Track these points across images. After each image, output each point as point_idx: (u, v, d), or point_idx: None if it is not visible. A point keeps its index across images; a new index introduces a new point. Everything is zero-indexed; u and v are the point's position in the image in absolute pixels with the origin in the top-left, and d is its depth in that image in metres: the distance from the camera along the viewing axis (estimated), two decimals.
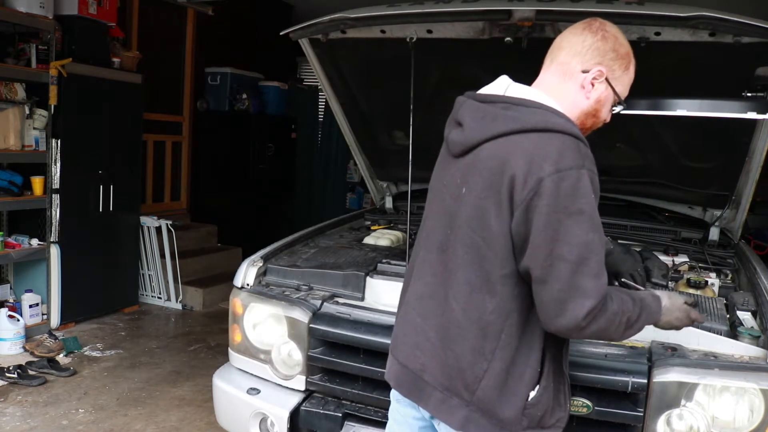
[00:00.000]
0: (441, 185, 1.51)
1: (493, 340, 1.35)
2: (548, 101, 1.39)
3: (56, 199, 4.41)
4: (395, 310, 1.65)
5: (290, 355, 2.14)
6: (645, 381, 1.68)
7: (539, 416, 1.38)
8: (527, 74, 1.52)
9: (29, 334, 4.17)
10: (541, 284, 1.28)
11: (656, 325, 1.45)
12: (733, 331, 1.85)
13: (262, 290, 2.24)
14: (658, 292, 1.49)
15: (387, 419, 1.67)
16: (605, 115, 1.49)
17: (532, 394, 1.37)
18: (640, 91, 1.52)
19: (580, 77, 1.42)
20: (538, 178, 1.26)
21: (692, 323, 1.50)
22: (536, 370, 1.37)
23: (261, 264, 2.33)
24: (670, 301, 1.46)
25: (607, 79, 1.43)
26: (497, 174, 1.31)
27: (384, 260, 2.30)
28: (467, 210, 1.38)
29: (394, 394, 1.62)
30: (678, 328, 1.50)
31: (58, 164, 4.39)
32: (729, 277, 2.42)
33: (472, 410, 1.38)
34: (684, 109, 1.95)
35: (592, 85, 1.43)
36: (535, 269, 1.28)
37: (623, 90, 1.47)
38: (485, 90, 1.49)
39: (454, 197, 1.43)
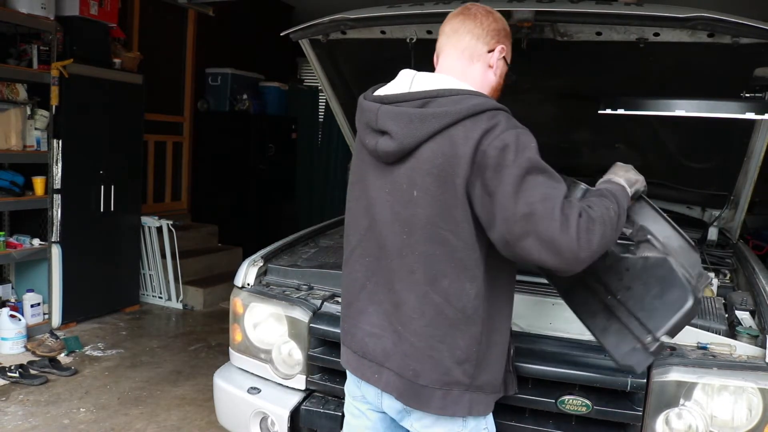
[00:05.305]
0: (381, 193, 1.50)
1: (477, 321, 1.42)
2: (462, 85, 1.45)
3: (57, 199, 4.42)
4: None
5: (290, 354, 2.14)
6: (644, 380, 1.68)
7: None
8: (527, 74, 1.53)
9: (31, 333, 4.19)
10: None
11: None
12: (732, 330, 1.86)
13: (263, 290, 2.25)
14: (605, 178, 1.56)
15: None
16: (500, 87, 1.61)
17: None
18: (639, 91, 1.53)
19: (486, 57, 1.52)
20: (485, 154, 1.33)
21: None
22: (502, 332, 1.52)
23: (261, 264, 2.33)
24: (614, 169, 1.58)
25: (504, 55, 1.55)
26: (447, 167, 1.36)
27: None
28: (426, 210, 1.40)
29: (349, 390, 1.69)
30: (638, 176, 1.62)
31: (60, 164, 4.40)
32: (727, 277, 2.42)
33: (472, 391, 1.46)
34: (683, 109, 1.96)
35: (497, 62, 1.54)
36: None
37: (508, 60, 1.59)
38: (391, 90, 1.50)
39: (404, 203, 1.44)
